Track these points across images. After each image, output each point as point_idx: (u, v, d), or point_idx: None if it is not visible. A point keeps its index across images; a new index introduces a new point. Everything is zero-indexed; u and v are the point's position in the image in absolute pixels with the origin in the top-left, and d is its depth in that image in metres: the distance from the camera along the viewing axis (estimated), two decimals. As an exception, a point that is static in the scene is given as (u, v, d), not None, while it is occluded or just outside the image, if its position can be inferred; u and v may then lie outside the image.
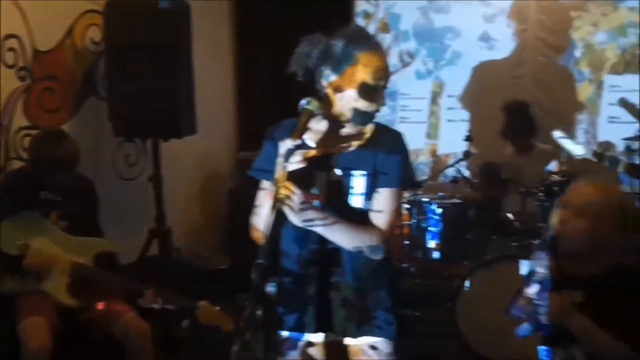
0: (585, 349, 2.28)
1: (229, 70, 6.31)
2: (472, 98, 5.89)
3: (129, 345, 3.36)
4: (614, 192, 2.38)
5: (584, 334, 2.26)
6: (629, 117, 5.44)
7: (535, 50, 5.73)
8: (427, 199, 4.94)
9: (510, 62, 5.79)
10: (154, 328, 3.47)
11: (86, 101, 4.78)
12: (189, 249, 5.47)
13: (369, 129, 2.33)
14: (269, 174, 2.21)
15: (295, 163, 2.07)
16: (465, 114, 5.91)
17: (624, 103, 5.42)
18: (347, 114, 2.26)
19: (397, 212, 2.32)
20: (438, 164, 5.98)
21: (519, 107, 4.91)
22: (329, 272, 2.27)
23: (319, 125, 2.32)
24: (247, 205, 2.39)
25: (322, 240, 2.22)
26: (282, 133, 2.26)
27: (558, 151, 4.61)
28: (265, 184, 2.33)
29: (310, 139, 2.29)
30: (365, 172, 2.26)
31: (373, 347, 2.31)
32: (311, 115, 2.19)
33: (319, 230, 2.17)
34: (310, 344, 2.35)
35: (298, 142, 2.10)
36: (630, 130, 5.34)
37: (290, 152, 2.07)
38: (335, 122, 2.29)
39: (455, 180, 5.04)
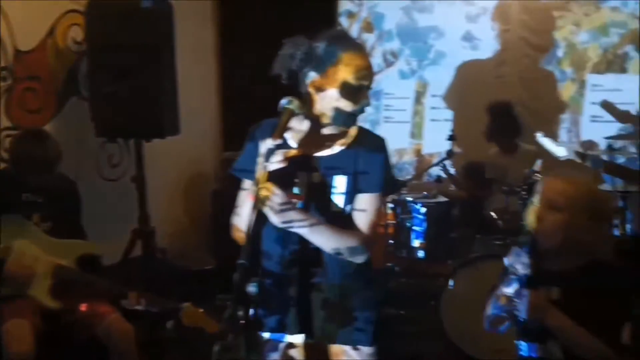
0: (562, 344, 2.30)
1: (213, 70, 6.30)
2: (455, 97, 5.91)
3: (112, 347, 3.34)
4: (585, 185, 2.40)
5: (560, 330, 2.27)
6: (611, 116, 5.48)
7: (518, 50, 5.75)
8: (412, 199, 4.95)
9: (493, 61, 5.82)
10: (138, 330, 3.45)
11: (68, 101, 4.75)
12: (174, 250, 5.45)
13: (352, 131, 2.31)
14: (250, 173, 2.20)
15: (276, 163, 2.07)
16: (449, 114, 5.93)
17: (607, 105, 5.46)
18: (329, 114, 2.25)
19: (378, 215, 2.31)
20: (422, 163, 5.99)
21: (503, 107, 4.93)
22: (310, 272, 2.26)
23: (300, 125, 2.31)
24: (232, 206, 2.38)
25: (303, 240, 2.21)
26: (262, 133, 2.25)
27: (542, 151, 4.64)
28: (247, 183, 2.32)
29: (291, 138, 2.29)
30: (347, 175, 2.25)
31: (354, 348, 2.31)
32: (292, 114, 2.18)
33: (299, 231, 2.16)
34: (291, 345, 2.34)
35: (278, 141, 2.09)
36: (613, 129, 5.41)
37: (270, 152, 2.06)
38: (317, 122, 2.28)
39: (439, 179, 5.05)
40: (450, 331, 4.12)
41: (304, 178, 2.24)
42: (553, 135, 5.21)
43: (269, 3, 5.91)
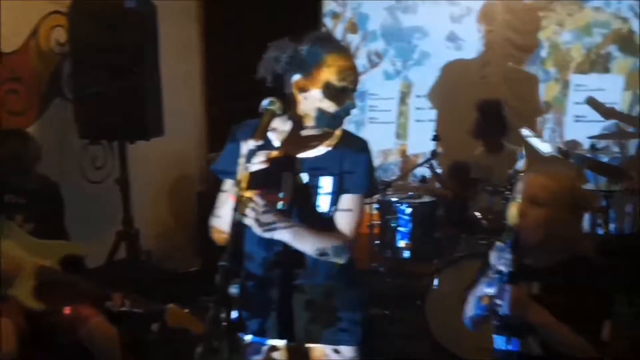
0: (541, 339, 2.31)
1: (197, 71, 6.28)
2: (440, 98, 5.93)
3: (95, 351, 3.33)
4: (566, 180, 2.41)
5: (541, 326, 2.29)
6: (594, 116, 5.53)
7: (502, 50, 5.78)
8: (397, 199, 4.96)
9: (477, 62, 5.84)
10: (122, 331, 3.44)
11: (52, 103, 4.72)
12: (159, 252, 5.44)
13: (335, 133, 2.31)
14: (230, 174, 2.19)
15: (258, 163, 2.06)
16: (434, 114, 5.95)
17: (592, 102, 5.50)
18: (312, 114, 2.25)
19: (360, 217, 2.31)
20: (407, 164, 6.01)
21: (493, 105, 4.96)
22: (293, 274, 2.26)
23: (284, 126, 2.31)
24: (218, 207, 2.37)
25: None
26: (244, 133, 2.24)
27: (527, 151, 4.67)
28: (227, 185, 2.31)
29: (275, 139, 2.29)
30: (332, 175, 2.24)
31: (335, 351, 2.30)
32: (273, 115, 2.17)
33: (281, 238, 2.16)
34: (274, 348, 2.34)
35: (260, 142, 2.08)
36: (596, 128, 5.46)
37: (252, 153, 2.05)
38: (300, 123, 2.28)
39: (424, 179, 5.06)
40: (436, 331, 4.13)
41: (287, 179, 2.23)
42: (537, 135, 5.23)
43: (253, 3, 5.90)
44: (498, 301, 2.27)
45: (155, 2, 4.46)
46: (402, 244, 4.90)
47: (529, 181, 2.42)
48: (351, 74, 2.25)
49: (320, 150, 2.28)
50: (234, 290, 1.83)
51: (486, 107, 4.95)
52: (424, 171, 5.09)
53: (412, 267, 5.05)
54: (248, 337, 2.31)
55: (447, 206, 4.96)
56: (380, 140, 6.02)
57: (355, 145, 2.30)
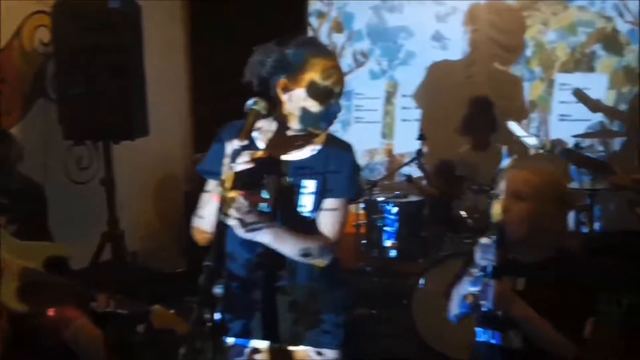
0: (523, 334, 2.32)
1: (182, 70, 6.27)
2: (425, 97, 5.94)
3: (80, 352, 3.31)
4: (549, 174, 2.43)
5: (524, 321, 2.30)
6: (579, 115, 5.55)
7: (487, 49, 5.79)
8: (383, 199, 4.97)
9: (463, 61, 5.85)
10: (107, 333, 3.42)
11: (35, 103, 4.68)
12: (145, 253, 5.42)
13: (320, 135, 2.31)
14: (215, 175, 2.18)
15: (242, 164, 2.05)
16: (419, 114, 5.95)
17: (579, 94, 5.53)
18: (296, 114, 2.25)
19: (344, 220, 2.30)
20: (393, 163, 6.01)
21: (484, 102, 4.99)
22: (275, 276, 2.25)
23: (269, 126, 2.30)
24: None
25: None
26: (229, 134, 2.23)
27: (512, 149, 4.69)
28: (210, 185, 2.30)
29: (260, 139, 2.28)
30: (317, 175, 2.24)
31: (318, 353, 2.29)
32: (258, 115, 2.17)
33: (263, 240, 2.15)
34: (256, 350, 2.33)
35: (245, 142, 2.08)
36: (581, 127, 5.48)
37: (237, 153, 2.05)
38: (285, 123, 2.28)
39: (409, 178, 5.07)
40: (422, 330, 4.14)
41: (272, 180, 2.22)
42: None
43: (238, 2, 5.89)
44: (482, 300, 2.28)
45: (140, 2, 4.44)
46: (388, 243, 4.91)
47: (512, 177, 2.44)
48: (335, 72, 2.25)
49: (306, 151, 2.28)
50: (218, 290, 1.82)
51: (477, 103, 4.99)
52: (410, 170, 5.10)
53: (398, 266, 5.06)
54: (230, 340, 2.30)
55: (433, 205, 4.97)
56: (366, 140, 6.02)
57: (340, 147, 2.30)
